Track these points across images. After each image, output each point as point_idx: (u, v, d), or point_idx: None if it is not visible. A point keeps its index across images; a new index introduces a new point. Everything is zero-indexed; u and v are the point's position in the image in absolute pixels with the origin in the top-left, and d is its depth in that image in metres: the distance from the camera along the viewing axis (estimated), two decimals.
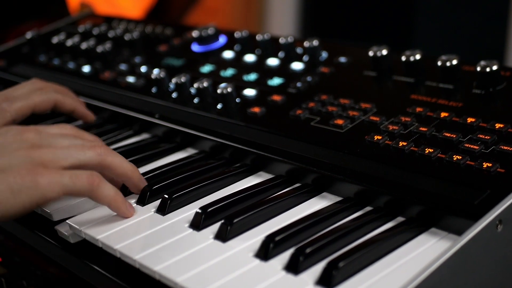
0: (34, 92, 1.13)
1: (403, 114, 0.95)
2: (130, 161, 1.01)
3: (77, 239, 0.87)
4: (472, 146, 0.84)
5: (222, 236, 0.79)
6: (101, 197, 0.83)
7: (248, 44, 1.29)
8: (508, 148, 0.82)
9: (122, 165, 0.87)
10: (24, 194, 0.76)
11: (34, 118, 1.12)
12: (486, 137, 0.85)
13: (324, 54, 1.19)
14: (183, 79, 1.17)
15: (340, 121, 0.96)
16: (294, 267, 0.71)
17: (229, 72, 1.22)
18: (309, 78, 1.11)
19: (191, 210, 0.87)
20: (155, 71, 1.22)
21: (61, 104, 1.14)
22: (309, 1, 2.87)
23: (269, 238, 0.76)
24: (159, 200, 0.88)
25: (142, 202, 0.90)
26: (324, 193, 0.89)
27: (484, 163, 0.80)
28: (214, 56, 1.31)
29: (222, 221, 0.81)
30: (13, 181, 0.76)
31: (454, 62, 1.00)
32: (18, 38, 1.65)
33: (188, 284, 0.71)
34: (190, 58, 1.33)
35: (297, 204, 0.87)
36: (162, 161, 1.04)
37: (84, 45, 1.44)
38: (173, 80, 1.18)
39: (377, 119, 0.95)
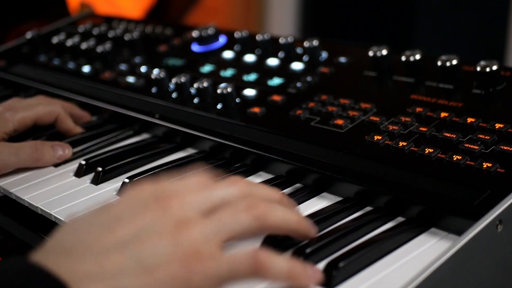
0: (39, 104, 1.13)
1: (403, 114, 0.94)
2: (130, 161, 1.02)
3: None
4: (472, 146, 0.84)
5: None
6: (271, 277, 0.63)
7: (248, 44, 1.29)
8: (508, 148, 0.82)
9: (286, 220, 0.68)
10: None
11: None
12: (486, 137, 0.85)
13: (324, 54, 1.19)
14: (183, 79, 1.17)
15: (340, 121, 0.96)
16: None
17: (229, 72, 1.22)
18: (309, 78, 1.11)
19: None
20: (155, 71, 1.22)
21: (62, 120, 1.14)
22: (309, 1, 2.87)
23: (269, 239, 0.76)
24: None
25: None
26: (324, 193, 0.89)
27: (484, 163, 0.80)
28: (214, 56, 1.31)
29: None
30: (163, 284, 0.59)
31: (454, 62, 1.00)
32: (18, 38, 1.65)
33: None
34: (190, 58, 1.33)
35: (297, 204, 0.86)
36: (162, 160, 1.04)
37: (84, 45, 1.44)
38: (173, 80, 1.18)
39: (377, 119, 0.95)
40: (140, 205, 0.63)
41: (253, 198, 0.67)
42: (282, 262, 0.63)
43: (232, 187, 0.67)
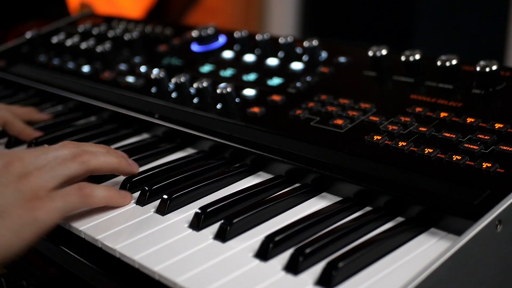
0: None
1: (402, 114, 0.94)
2: None
3: None
4: (471, 146, 0.84)
5: (222, 236, 0.79)
6: (96, 203, 0.85)
7: (247, 44, 1.29)
8: (508, 148, 0.82)
9: (107, 162, 0.88)
10: (26, 232, 0.76)
11: None
12: (486, 137, 0.85)
13: (324, 54, 1.19)
14: (182, 79, 1.17)
15: (339, 121, 0.96)
16: (293, 267, 0.71)
17: (228, 72, 1.22)
18: (308, 78, 1.11)
19: (190, 210, 0.87)
20: (155, 71, 1.22)
21: (11, 124, 1.15)
22: (309, 1, 2.86)
23: (269, 238, 0.76)
24: (159, 200, 0.88)
25: (141, 202, 0.90)
26: (324, 193, 0.89)
27: (483, 163, 0.80)
28: (214, 56, 1.31)
29: (222, 221, 0.81)
30: (12, 223, 0.75)
31: (454, 62, 1.00)
32: (18, 38, 1.65)
33: (188, 284, 0.71)
34: (190, 58, 1.33)
35: (297, 204, 0.87)
36: (161, 160, 1.04)
37: (84, 45, 1.44)
38: (173, 80, 1.18)
39: (377, 119, 0.95)
40: None
41: (79, 151, 0.86)
42: (102, 190, 0.85)
43: (64, 149, 0.85)
